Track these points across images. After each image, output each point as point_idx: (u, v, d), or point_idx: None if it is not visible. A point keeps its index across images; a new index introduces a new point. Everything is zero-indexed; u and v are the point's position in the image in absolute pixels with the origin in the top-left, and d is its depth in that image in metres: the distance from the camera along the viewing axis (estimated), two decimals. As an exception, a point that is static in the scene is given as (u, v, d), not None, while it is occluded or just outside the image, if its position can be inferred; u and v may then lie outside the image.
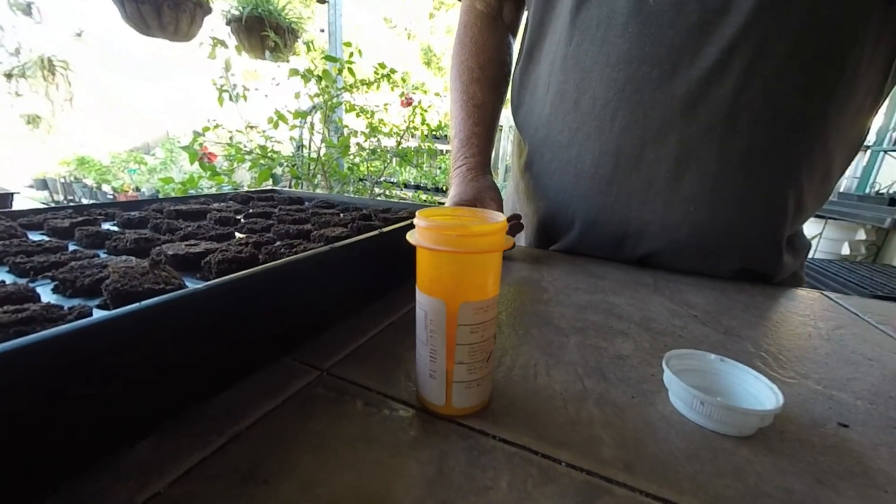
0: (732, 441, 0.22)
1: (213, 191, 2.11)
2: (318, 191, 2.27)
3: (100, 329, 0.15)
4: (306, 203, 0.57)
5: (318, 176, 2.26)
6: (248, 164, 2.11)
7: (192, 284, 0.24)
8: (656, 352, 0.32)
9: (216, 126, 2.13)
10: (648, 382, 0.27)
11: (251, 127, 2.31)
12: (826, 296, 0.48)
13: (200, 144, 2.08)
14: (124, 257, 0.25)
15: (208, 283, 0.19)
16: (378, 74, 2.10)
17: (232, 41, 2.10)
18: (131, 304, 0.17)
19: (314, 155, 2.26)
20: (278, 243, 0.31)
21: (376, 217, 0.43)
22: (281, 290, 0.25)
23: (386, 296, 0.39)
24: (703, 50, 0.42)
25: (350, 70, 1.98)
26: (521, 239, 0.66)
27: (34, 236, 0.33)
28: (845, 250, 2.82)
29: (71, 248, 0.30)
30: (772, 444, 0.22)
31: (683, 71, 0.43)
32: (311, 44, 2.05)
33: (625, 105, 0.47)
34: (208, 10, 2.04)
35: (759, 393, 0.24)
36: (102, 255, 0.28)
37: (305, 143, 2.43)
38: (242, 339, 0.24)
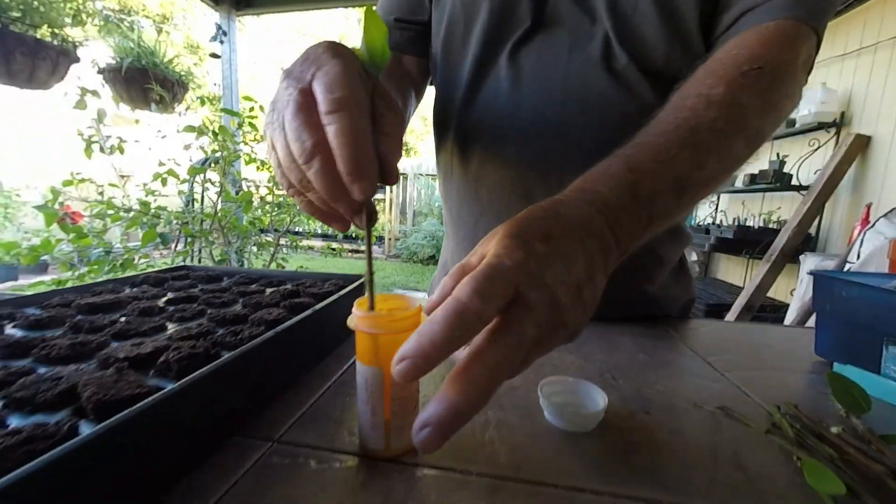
0: (583, 436, 0.33)
1: (75, 255, 1.81)
2: (215, 247, 2.10)
3: (100, 441, 0.19)
4: (225, 279, 0.58)
5: (215, 232, 2.10)
6: (126, 222, 1.88)
7: (151, 383, 0.27)
8: (537, 379, 0.42)
9: (81, 181, 1.87)
10: (532, 406, 0.37)
11: (124, 177, 2.07)
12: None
13: (61, 203, 1.80)
14: (73, 367, 0.26)
15: (193, 376, 0.24)
16: (280, 130, 2.11)
17: (107, 91, 1.92)
18: (117, 413, 0.20)
19: (209, 210, 2.11)
20: (220, 331, 0.35)
21: (304, 293, 0.48)
22: (241, 376, 0.29)
23: (319, 364, 0.44)
24: (567, 154, 0.50)
25: (252, 124, 1.96)
26: None
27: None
28: (684, 269, 3.59)
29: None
30: (604, 433, 0.33)
31: (555, 174, 0.51)
32: (205, 98, 1.98)
33: (516, 199, 0.54)
34: (75, 59, 1.85)
35: (597, 397, 0.35)
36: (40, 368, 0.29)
37: (197, 196, 2.26)
38: (207, 424, 0.27)
